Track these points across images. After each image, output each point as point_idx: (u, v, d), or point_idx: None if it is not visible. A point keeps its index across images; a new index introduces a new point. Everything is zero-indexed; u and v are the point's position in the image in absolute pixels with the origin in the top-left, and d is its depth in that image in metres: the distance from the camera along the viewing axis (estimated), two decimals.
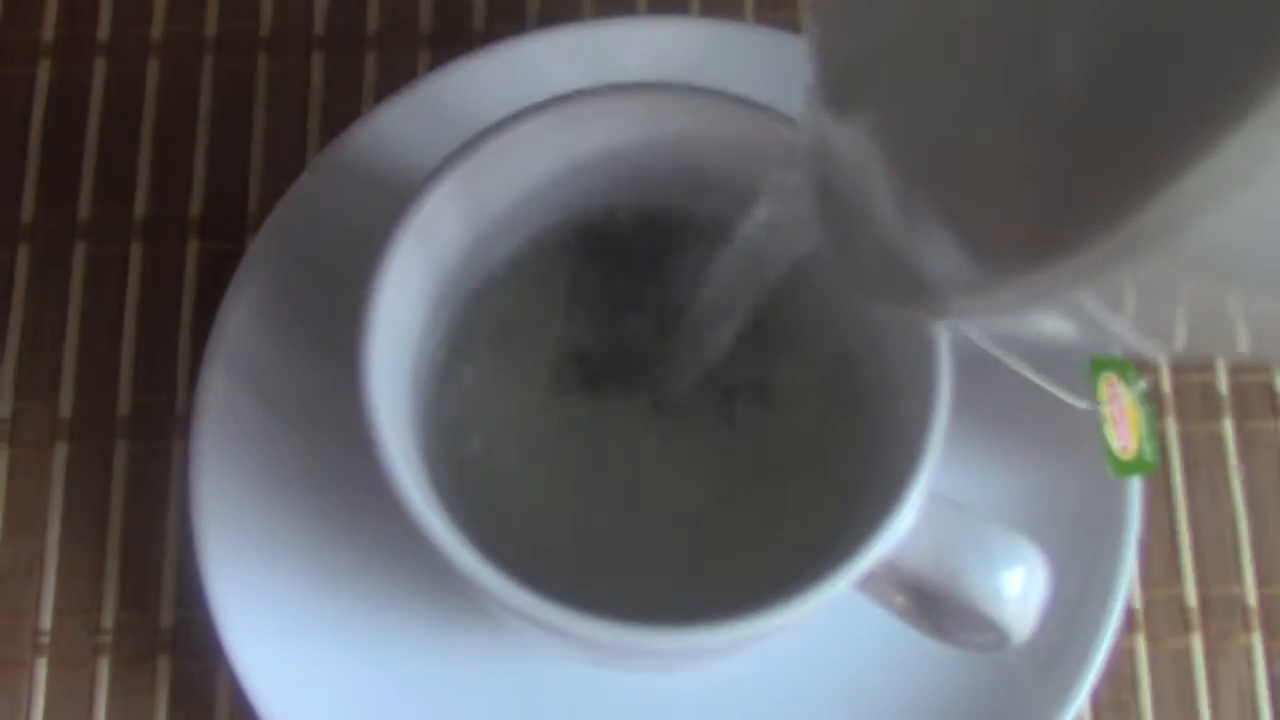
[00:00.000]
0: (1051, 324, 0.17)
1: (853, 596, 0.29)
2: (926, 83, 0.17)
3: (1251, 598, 0.35)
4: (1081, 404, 0.29)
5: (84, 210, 0.37)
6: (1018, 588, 0.26)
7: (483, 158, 0.27)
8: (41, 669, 0.34)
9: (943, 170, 0.17)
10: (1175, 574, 0.35)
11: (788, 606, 0.25)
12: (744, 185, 0.25)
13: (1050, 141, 0.15)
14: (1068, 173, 0.15)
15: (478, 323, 0.30)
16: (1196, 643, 0.34)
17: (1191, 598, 0.35)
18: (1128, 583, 0.31)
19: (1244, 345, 0.17)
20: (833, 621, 0.31)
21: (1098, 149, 0.14)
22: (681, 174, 0.29)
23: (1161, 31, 0.13)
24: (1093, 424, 0.32)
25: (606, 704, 0.31)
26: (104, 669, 0.34)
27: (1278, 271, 0.14)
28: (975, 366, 0.32)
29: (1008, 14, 0.15)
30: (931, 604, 0.28)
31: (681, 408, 0.29)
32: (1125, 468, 0.29)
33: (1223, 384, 0.36)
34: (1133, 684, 0.34)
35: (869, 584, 0.28)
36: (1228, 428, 0.36)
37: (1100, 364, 0.31)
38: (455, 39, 0.38)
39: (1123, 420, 0.30)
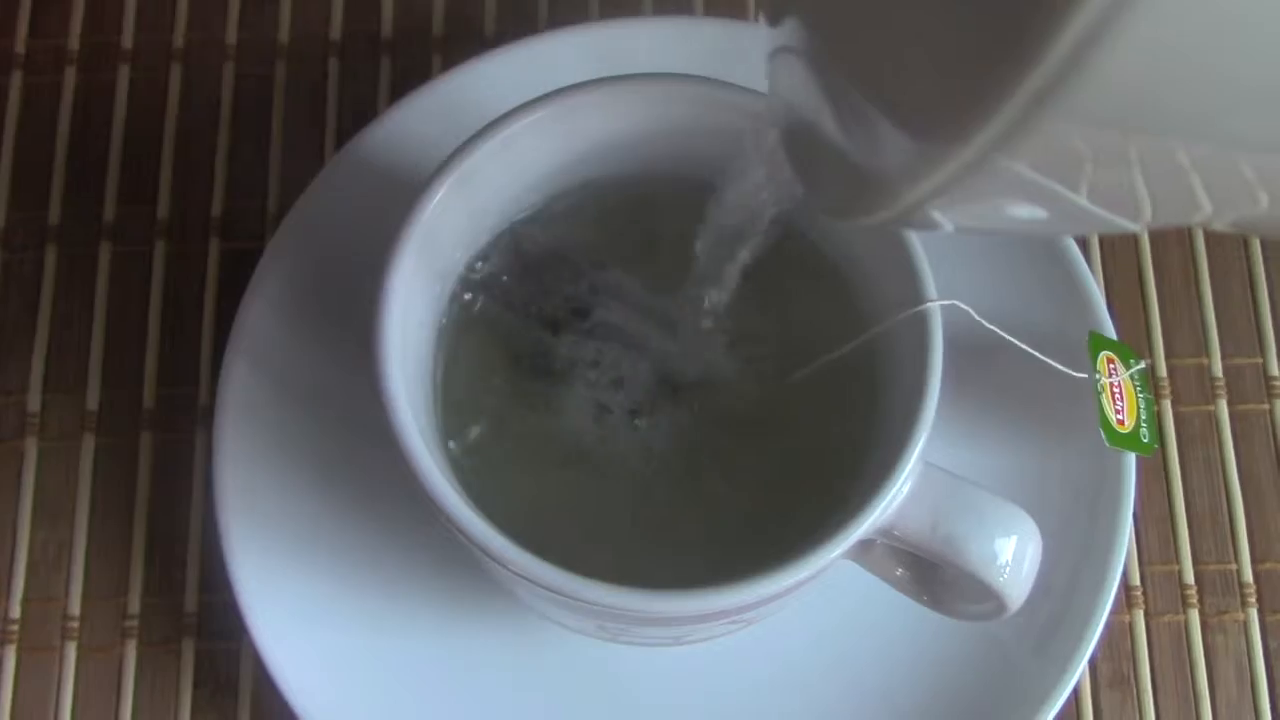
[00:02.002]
0: (1007, 205, 0.18)
1: (854, 575, 0.29)
2: None
3: (1248, 574, 0.35)
4: (1080, 374, 0.30)
5: (109, 211, 0.38)
6: (1011, 552, 0.26)
7: (485, 152, 0.28)
8: (71, 652, 0.35)
9: (866, 61, 0.18)
10: (1173, 552, 0.36)
11: (787, 572, 0.25)
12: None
13: (953, 11, 0.15)
14: (969, 42, 0.15)
15: (483, 309, 0.31)
16: (1194, 618, 0.35)
17: (1189, 574, 0.35)
18: (1122, 559, 0.32)
19: (1205, 205, 0.17)
20: (834, 600, 0.32)
21: (992, 11, 0.15)
22: (679, 161, 0.30)
23: None
24: (1089, 407, 0.33)
25: (614, 676, 0.32)
26: (131, 652, 0.35)
27: (1188, 113, 0.15)
28: (975, 350, 0.33)
29: None
30: (929, 574, 0.29)
31: (682, 385, 0.30)
32: (1120, 439, 0.30)
33: (1217, 367, 0.37)
34: (1132, 659, 0.35)
35: (869, 556, 0.29)
36: (1223, 409, 0.37)
37: (1099, 343, 0.31)
38: (467, 42, 0.39)
39: (1120, 396, 0.31)
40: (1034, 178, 0.17)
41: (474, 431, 0.30)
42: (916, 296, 0.27)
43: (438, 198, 0.28)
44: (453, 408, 0.30)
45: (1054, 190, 0.17)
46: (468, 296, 0.31)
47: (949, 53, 0.16)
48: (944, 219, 0.18)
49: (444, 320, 0.31)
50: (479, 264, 0.31)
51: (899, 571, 0.29)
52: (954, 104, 0.16)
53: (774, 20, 0.20)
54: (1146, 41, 0.14)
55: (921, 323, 0.27)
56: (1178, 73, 0.14)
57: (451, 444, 0.30)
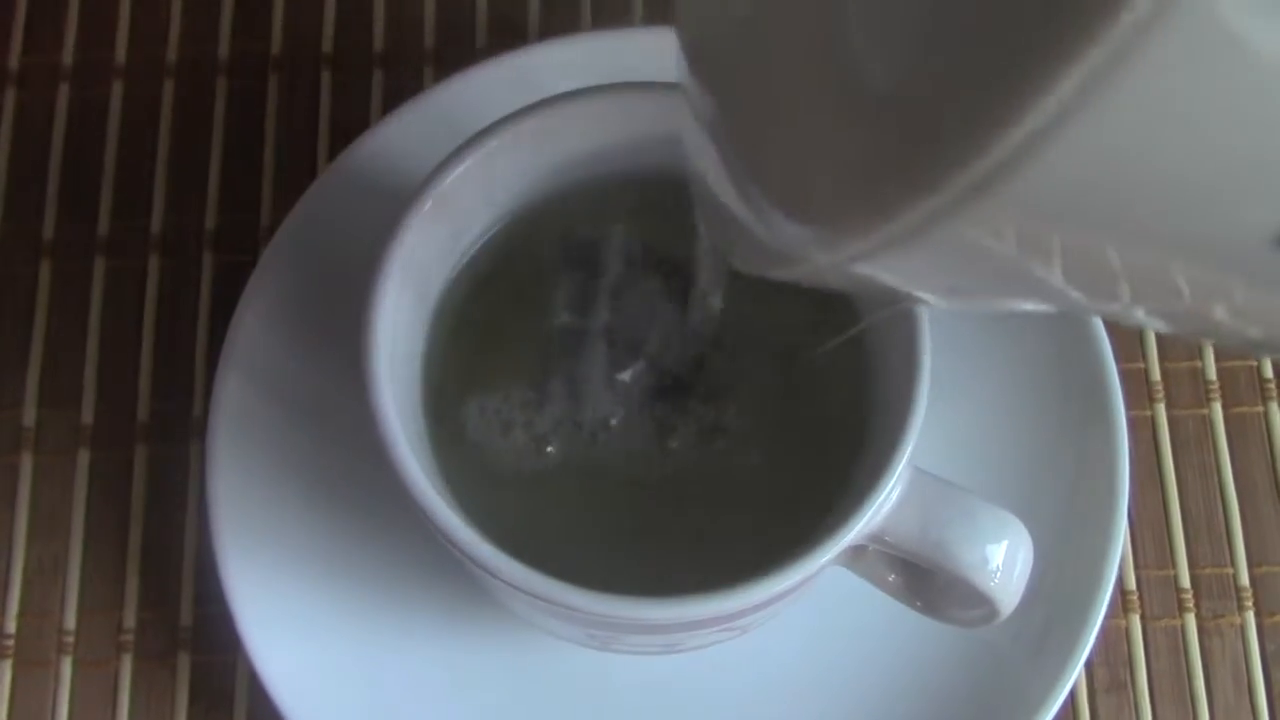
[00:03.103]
0: (916, 277, 0.18)
1: (848, 583, 0.29)
2: (749, 63, 0.18)
3: (1244, 577, 0.35)
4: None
5: (103, 226, 0.38)
6: (1003, 557, 0.26)
7: (468, 166, 0.28)
8: (67, 667, 0.35)
9: (769, 150, 0.18)
10: (1168, 556, 0.36)
11: (776, 578, 0.25)
12: None
13: (868, 110, 0.16)
14: (877, 145, 0.16)
15: (471, 319, 0.31)
16: (1190, 622, 0.35)
17: (1185, 578, 0.35)
18: (1117, 563, 0.32)
19: (1123, 296, 0.17)
20: (827, 608, 0.32)
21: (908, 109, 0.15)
22: (670, 167, 0.30)
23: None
24: (1082, 411, 0.33)
25: (608, 686, 0.32)
26: (126, 666, 0.35)
27: (1099, 217, 0.15)
28: (967, 354, 0.33)
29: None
30: (922, 579, 0.29)
31: (672, 392, 0.30)
32: None
33: (1211, 370, 0.37)
34: (1128, 663, 0.35)
35: (861, 562, 0.29)
36: (1217, 412, 0.37)
37: None
38: (459, 54, 0.40)
39: None
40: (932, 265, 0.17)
41: (464, 439, 0.30)
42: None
43: (421, 214, 0.28)
44: (442, 415, 0.30)
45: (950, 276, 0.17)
46: (454, 305, 0.31)
47: (855, 159, 0.16)
48: (876, 276, 0.18)
49: (433, 328, 0.31)
50: (465, 273, 0.31)
51: (891, 577, 0.29)
52: (855, 209, 0.16)
53: (685, 81, 0.20)
54: (1041, 178, 0.14)
55: (910, 327, 0.27)
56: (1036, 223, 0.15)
57: (441, 451, 0.30)
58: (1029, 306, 0.19)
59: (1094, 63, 0.13)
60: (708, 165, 0.20)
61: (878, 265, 0.17)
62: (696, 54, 0.19)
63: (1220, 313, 0.17)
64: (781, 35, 0.17)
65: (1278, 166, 0.14)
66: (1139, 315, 0.18)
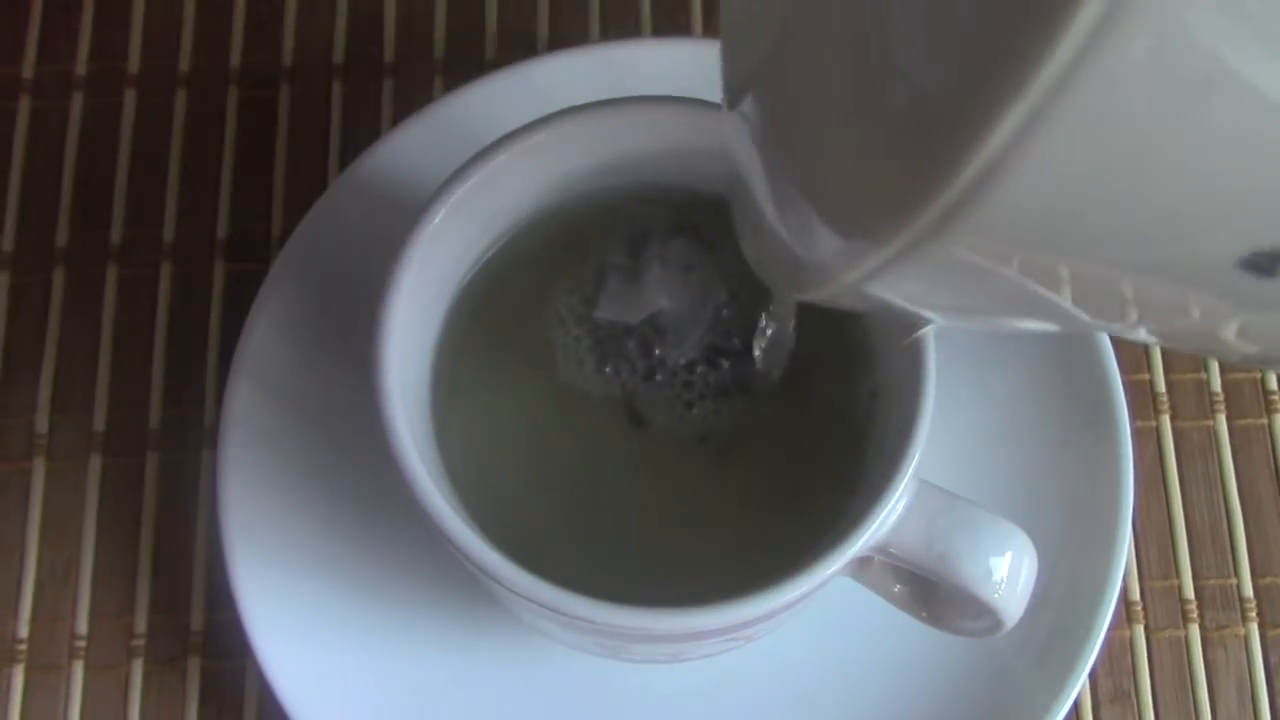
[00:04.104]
0: (935, 293, 0.19)
1: (854, 593, 0.30)
2: (782, 86, 0.19)
3: (1248, 588, 0.36)
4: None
5: (116, 234, 0.39)
6: (1007, 569, 0.27)
7: (480, 177, 0.28)
8: (78, 671, 0.35)
9: (802, 161, 0.19)
10: (1173, 567, 0.36)
11: (782, 589, 0.26)
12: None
13: (879, 126, 0.16)
14: (886, 162, 0.16)
15: (480, 329, 0.31)
16: (1194, 633, 0.35)
17: (1189, 589, 0.36)
18: (1121, 573, 0.32)
19: (1130, 313, 0.18)
20: (832, 617, 0.32)
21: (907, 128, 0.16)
22: (681, 178, 0.30)
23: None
24: (1086, 422, 0.33)
25: (615, 693, 0.32)
26: (137, 671, 0.35)
27: (1083, 237, 0.16)
28: (972, 365, 0.33)
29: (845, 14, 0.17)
30: (927, 590, 0.29)
31: (679, 408, 0.31)
32: None
33: (1216, 382, 0.37)
34: (1132, 674, 0.35)
35: (866, 573, 0.29)
36: (1222, 423, 0.37)
37: None
38: (468, 64, 0.40)
39: None
40: (939, 282, 0.18)
41: (472, 449, 0.31)
42: (913, 321, 0.27)
43: (431, 226, 0.28)
44: (450, 425, 0.31)
45: (960, 292, 0.18)
46: (463, 316, 0.31)
47: (873, 169, 0.17)
48: (886, 297, 0.19)
49: (444, 337, 0.31)
50: (474, 284, 0.31)
51: (897, 588, 0.29)
52: (871, 211, 0.17)
53: (730, 102, 0.21)
54: (1044, 172, 0.14)
55: (916, 342, 0.27)
56: (1076, 201, 0.15)
57: (449, 459, 0.30)
58: (1026, 325, 0.19)
59: (1046, 82, 0.13)
60: (751, 180, 0.21)
61: (885, 284, 0.18)
62: (740, 82, 0.20)
63: (1206, 330, 0.17)
64: (813, 59, 0.18)
65: (1237, 191, 0.15)
66: (1140, 335, 0.18)
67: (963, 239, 0.16)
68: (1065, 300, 0.17)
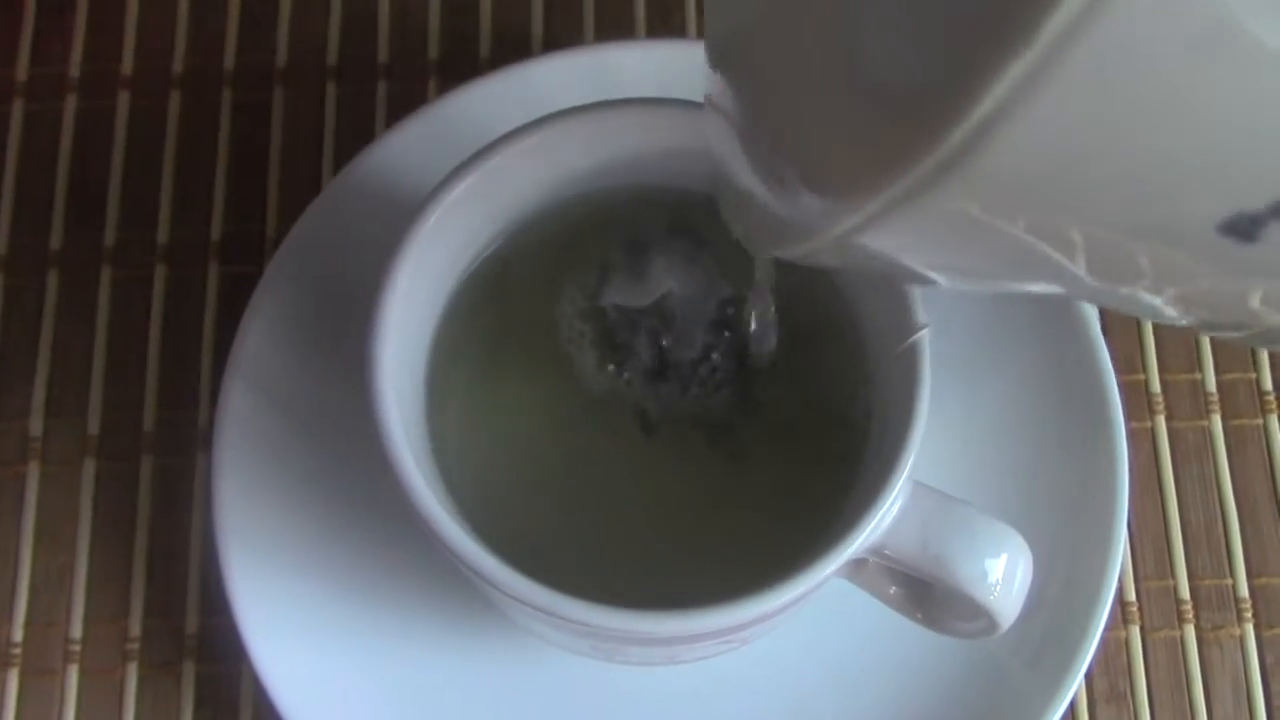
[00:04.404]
0: (918, 251, 0.19)
1: (849, 595, 0.30)
2: (767, 49, 0.19)
3: (1243, 589, 0.36)
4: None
5: (110, 237, 0.39)
6: (1002, 571, 0.27)
7: (480, 175, 0.28)
8: (73, 676, 0.35)
9: (782, 116, 0.19)
10: (1168, 567, 0.36)
11: (777, 591, 0.26)
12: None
13: (864, 93, 0.17)
14: (868, 124, 0.17)
15: (475, 332, 0.31)
16: (1190, 634, 0.35)
17: (1184, 590, 0.36)
18: (1116, 574, 0.32)
19: (1146, 280, 0.18)
20: (828, 619, 0.32)
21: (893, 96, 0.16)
22: (675, 178, 0.30)
23: None
24: (1080, 422, 0.33)
25: (610, 696, 0.32)
26: (132, 675, 0.35)
27: (1062, 199, 0.16)
28: (967, 365, 0.33)
29: None
30: (922, 592, 0.29)
31: (675, 409, 0.31)
32: None
33: (1211, 382, 0.37)
34: (1128, 674, 0.35)
35: (861, 575, 0.29)
36: (1217, 424, 0.37)
37: None
38: (463, 66, 0.40)
39: None
40: (935, 239, 0.18)
41: (467, 452, 0.31)
42: (909, 324, 0.27)
43: (426, 228, 0.28)
44: (445, 428, 0.31)
45: (956, 249, 0.18)
46: (458, 318, 0.31)
47: (854, 134, 0.17)
48: (871, 248, 0.19)
49: (440, 339, 0.31)
50: (469, 286, 0.31)
51: (892, 590, 0.29)
52: (857, 168, 0.17)
53: (711, 68, 0.21)
54: (1041, 126, 0.15)
55: (911, 344, 0.27)
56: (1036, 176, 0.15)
57: (444, 463, 0.30)
58: (1011, 286, 0.19)
59: (1052, 34, 0.13)
60: (732, 144, 0.21)
61: (873, 238, 0.18)
62: (724, 45, 0.21)
63: (1189, 296, 0.18)
64: (797, 30, 0.18)
65: (1224, 149, 0.15)
66: (1124, 303, 0.18)
67: (958, 193, 0.16)
68: (1052, 259, 0.17)
